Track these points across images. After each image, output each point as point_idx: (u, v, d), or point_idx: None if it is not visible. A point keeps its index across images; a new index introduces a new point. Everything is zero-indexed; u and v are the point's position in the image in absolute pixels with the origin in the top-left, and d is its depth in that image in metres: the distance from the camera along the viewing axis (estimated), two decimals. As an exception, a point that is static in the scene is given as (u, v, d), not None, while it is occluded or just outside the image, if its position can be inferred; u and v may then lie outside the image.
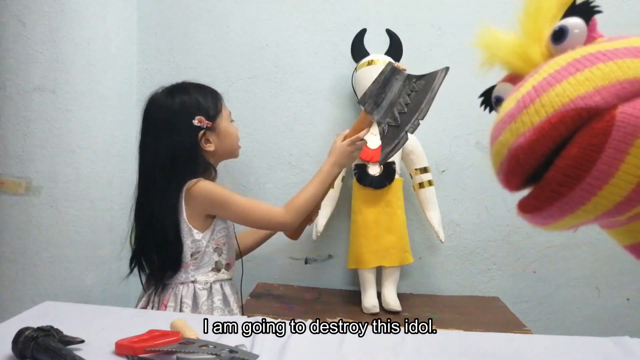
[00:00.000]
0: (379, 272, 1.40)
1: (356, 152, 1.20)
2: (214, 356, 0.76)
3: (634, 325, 1.55)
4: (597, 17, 0.52)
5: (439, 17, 1.53)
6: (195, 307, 1.15)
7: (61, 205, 1.30)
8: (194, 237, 1.16)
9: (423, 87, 1.10)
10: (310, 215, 1.25)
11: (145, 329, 0.88)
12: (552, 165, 0.41)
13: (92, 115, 1.35)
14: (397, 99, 1.11)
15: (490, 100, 0.61)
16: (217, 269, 1.20)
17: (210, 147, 1.19)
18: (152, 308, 1.16)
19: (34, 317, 0.91)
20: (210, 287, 1.18)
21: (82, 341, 0.82)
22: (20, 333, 0.77)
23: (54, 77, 1.28)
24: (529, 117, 0.42)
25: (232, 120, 1.27)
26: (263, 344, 0.87)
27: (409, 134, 1.08)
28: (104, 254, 1.40)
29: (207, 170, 1.21)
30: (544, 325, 1.56)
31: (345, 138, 1.20)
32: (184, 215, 1.15)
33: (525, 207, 0.46)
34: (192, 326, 0.90)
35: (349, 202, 1.45)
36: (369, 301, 1.33)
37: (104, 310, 1.06)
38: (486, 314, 1.35)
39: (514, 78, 0.55)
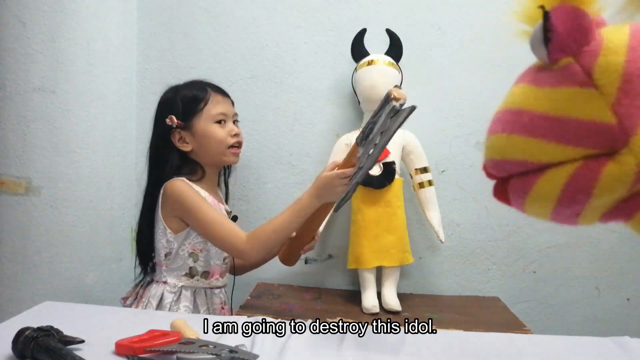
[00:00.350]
0: (379, 272, 1.40)
1: (340, 188, 1.02)
2: (214, 356, 0.76)
3: (634, 325, 1.55)
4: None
5: (439, 17, 1.53)
6: (159, 307, 1.15)
7: (61, 205, 1.30)
8: (167, 237, 1.17)
9: (387, 129, 0.92)
10: (304, 242, 1.17)
11: (145, 329, 0.88)
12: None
13: (92, 115, 1.35)
14: (375, 136, 0.94)
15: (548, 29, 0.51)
16: (190, 274, 1.19)
17: (186, 147, 1.20)
18: (133, 301, 1.20)
19: (34, 317, 0.91)
20: (180, 291, 1.18)
21: (82, 341, 0.82)
22: (20, 333, 0.77)
23: (54, 77, 1.28)
24: None
25: (221, 121, 1.20)
26: (263, 344, 0.87)
27: (358, 185, 1.01)
28: (104, 254, 1.40)
29: (193, 170, 1.22)
30: (544, 325, 1.56)
31: (335, 167, 1.06)
32: (159, 213, 1.17)
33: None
34: (192, 326, 0.90)
35: (349, 202, 1.45)
36: (369, 301, 1.33)
37: (104, 310, 1.06)
38: (486, 314, 1.35)
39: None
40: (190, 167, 1.23)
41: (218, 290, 1.25)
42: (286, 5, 1.56)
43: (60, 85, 1.29)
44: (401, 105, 0.88)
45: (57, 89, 1.28)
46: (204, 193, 1.20)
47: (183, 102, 1.20)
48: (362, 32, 1.44)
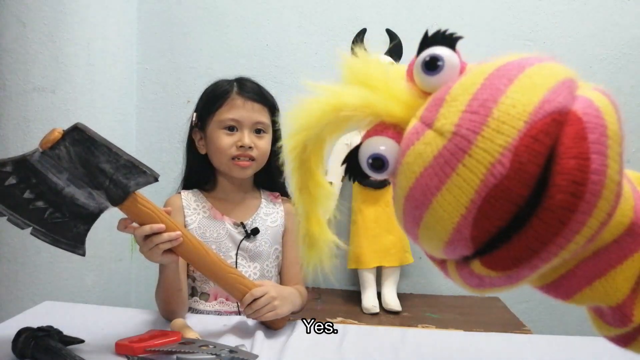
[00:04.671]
0: (379, 272, 1.40)
1: (148, 251, 0.87)
2: (214, 356, 0.76)
3: (634, 325, 1.55)
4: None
5: (439, 17, 1.53)
6: None
7: (61, 205, 1.30)
8: None
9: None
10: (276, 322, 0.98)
11: (145, 329, 0.88)
12: (549, 189, 0.33)
13: (92, 115, 1.35)
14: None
15: (356, 167, 0.45)
16: (192, 294, 1.14)
17: (202, 149, 1.15)
18: None
19: (34, 317, 0.91)
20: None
21: (82, 341, 0.82)
22: (20, 333, 0.77)
23: (54, 77, 1.28)
24: (490, 142, 0.33)
25: (232, 128, 1.08)
26: (263, 344, 0.87)
27: None
28: (104, 254, 1.40)
29: (206, 178, 1.17)
30: (544, 325, 1.55)
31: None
32: None
33: (510, 260, 0.35)
34: (192, 326, 0.90)
35: (349, 202, 1.45)
36: (369, 301, 1.33)
37: (104, 310, 1.05)
38: (486, 314, 1.35)
39: (386, 128, 0.43)
40: (206, 173, 1.16)
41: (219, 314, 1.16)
42: (286, 6, 1.56)
43: (60, 85, 1.29)
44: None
45: (57, 89, 1.28)
46: (195, 215, 1.11)
47: (204, 100, 1.15)
48: (362, 32, 1.44)
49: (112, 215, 1.48)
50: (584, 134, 0.33)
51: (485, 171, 0.33)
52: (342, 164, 0.46)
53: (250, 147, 1.08)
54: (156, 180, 0.82)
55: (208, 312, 1.11)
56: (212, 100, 1.12)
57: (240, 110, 1.09)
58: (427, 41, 0.45)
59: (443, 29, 0.44)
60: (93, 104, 1.35)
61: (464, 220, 0.34)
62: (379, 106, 0.43)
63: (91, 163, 0.79)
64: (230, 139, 1.09)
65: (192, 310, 1.12)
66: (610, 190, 0.33)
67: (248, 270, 1.13)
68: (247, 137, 1.08)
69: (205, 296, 1.13)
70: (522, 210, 0.34)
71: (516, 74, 0.36)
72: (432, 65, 0.43)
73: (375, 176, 0.44)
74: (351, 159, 0.46)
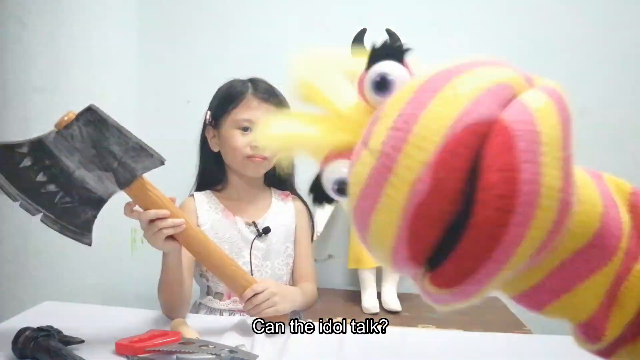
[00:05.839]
0: (379, 272, 1.40)
1: (151, 235, 0.88)
2: (214, 356, 0.76)
3: (634, 325, 1.55)
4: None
5: (439, 17, 1.53)
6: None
7: (61, 205, 1.30)
8: None
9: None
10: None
11: (145, 329, 0.88)
12: (475, 205, 0.32)
13: (92, 115, 1.35)
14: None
15: (323, 193, 0.45)
16: (207, 292, 1.16)
17: (215, 148, 1.16)
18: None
19: (34, 317, 0.91)
20: (197, 307, 1.15)
21: (82, 341, 0.82)
22: (20, 333, 0.77)
23: (54, 77, 1.28)
24: (411, 159, 0.32)
25: (246, 128, 1.10)
26: (263, 344, 0.87)
27: None
28: (104, 253, 1.40)
29: (218, 178, 1.18)
30: (544, 325, 1.55)
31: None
32: None
33: (451, 278, 0.34)
34: (192, 326, 0.90)
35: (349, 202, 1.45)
36: (369, 301, 1.33)
37: (104, 310, 1.05)
38: (486, 314, 1.35)
39: (342, 152, 0.43)
40: (218, 172, 1.17)
41: (233, 314, 1.16)
42: (286, 5, 1.56)
43: (60, 85, 1.29)
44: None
45: (57, 89, 1.28)
46: (207, 216, 1.13)
47: (219, 99, 1.16)
48: (362, 32, 1.44)
49: (112, 215, 1.47)
50: (511, 143, 0.31)
51: (409, 189, 0.32)
52: (309, 193, 0.46)
53: (261, 149, 1.09)
54: (162, 164, 0.86)
55: (222, 311, 1.13)
56: (228, 100, 1.14)
57: (255, 111, 1.12)
58: (376, 55, 0.44)
59: (390, 40, 0.45)
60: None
61: (399, 240, 0.34)
62: (331, 141, 0.43)
63: (102, 144, 0.82)
64: (245, 139, 1.11)
65: (207, 308, 1.14)
66: (551, 197, 0.32)
67: (261, 269, 1.14)
68: None
69: (219, 295, 1.15)
70: (457, 225, 0.32)
71: (442, 84, 0.34)
72: (382, 86, 0.42)
73: (344, 201, 0.42)
74: (316, 187, 0.45)
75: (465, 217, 0.32)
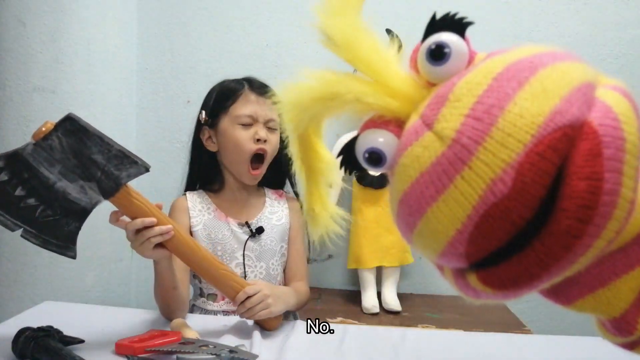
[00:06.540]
0: (379, 272, 1.40)
1: (139, 245, 0.86)
2: (214, 356, 0.76)
3: (634, 325, 1.55)
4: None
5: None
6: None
7: (61, 205, 1.30)
8: None
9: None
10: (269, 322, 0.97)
11: (145, 329, 0.88)
12: (555, 212, 0.30)
13: (92, 115, 1.35)
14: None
15: (354, 158, 0.42)
16: (200, 294, 1.14)
17: (212, 147, 1.14)
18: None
19: (34, 317, 0.91)
20: (191, 309, 1.14)
21: (82, 341, 0.82)
22: (20, 333, 0.77)
23: (54, 77, 1.28)
24: (492, 155, 0.30)
25: (247, 124, 1.09)
26: (263, 344, 0.87)
27: None
28: (104, 254, 1.40)
29: (214, 178, 1.16)
30: (544, 325, 1.55)
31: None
32: None
33: (509, 279, 0.33)
34: (192, 326, 0.90)
35: (349, 202, 1.45)
36: (369, 301, 1.33)
37: (104, 310, 1.05)
38: (486, 314, 1.35)
39: (385, 120, 0.40)
40: (214, 172, 1.16)
41: (226, 314, 1.16)
42: (286, 5, 1.56)
43: (60, 85, 1.29)
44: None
45: (57, 89, 1.28)
46: (200, 216, 1.12)
47: (215, 97, 1.14)
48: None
49: (112, 215, 1.47)
50: (599, 150, 0.30)
51: (485, 187, 0.30)
52: (338, 156, 0.44)
53: (265, 141, 1.10)
54: (147, 170, 0.82)
55: (216, 313, 1.12)
56: (225, 97, 1.12)
57: (255, 105, 1.11)
58: (435, 25, 0.42)
59: (452, 12, 0.43)
60: (93, 104, 1.35)
61: (459, 235, 0.32)
62: (376, 101, 0.40)
63: (83, 154, 0.78)
64: (248, 133, 1.09)
65: (201, 310, 1.13)
66: (623, 209, 0.31)
67: (255, 270, 1.13)
68: (263, 132, 1.10)
69: (212, 297, 1.14)
70: (525, 227, 0.31)
71: (527, 76, 0.32)
72: (438, 55, 0.39)
73: (372, 171, 0.42)
74: (347, 151, 0.43)
75: (535, 221, 0.30)
